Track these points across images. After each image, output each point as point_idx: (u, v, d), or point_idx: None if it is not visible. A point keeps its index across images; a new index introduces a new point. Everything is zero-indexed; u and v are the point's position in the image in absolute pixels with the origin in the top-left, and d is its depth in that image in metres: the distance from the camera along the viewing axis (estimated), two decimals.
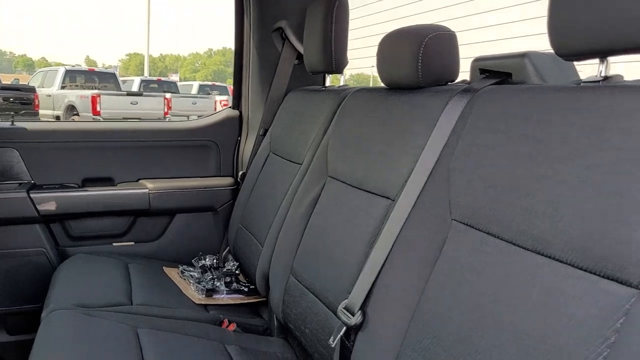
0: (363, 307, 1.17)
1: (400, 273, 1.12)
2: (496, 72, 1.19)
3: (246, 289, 2.00)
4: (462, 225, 1.03)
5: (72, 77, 15.06)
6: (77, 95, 13.32)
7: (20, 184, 2.13)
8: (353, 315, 1.16)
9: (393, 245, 1.17)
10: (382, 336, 1.10)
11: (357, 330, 1.17)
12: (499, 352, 0.84)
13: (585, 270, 0.77)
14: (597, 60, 0.94)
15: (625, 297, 0.70)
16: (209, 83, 20.01)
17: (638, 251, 0.70)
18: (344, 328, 1.18)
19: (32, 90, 13.29)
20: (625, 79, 0.94)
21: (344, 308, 1.20)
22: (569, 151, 0.86)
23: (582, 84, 0.95)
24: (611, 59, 0.92)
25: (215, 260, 2.15)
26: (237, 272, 2.06)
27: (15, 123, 2.18)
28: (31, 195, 2.10)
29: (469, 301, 0.93)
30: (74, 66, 16.81)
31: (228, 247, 2.32)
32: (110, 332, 1.44)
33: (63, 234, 2.23)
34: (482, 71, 1.24)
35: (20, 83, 16.86)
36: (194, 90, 18.66)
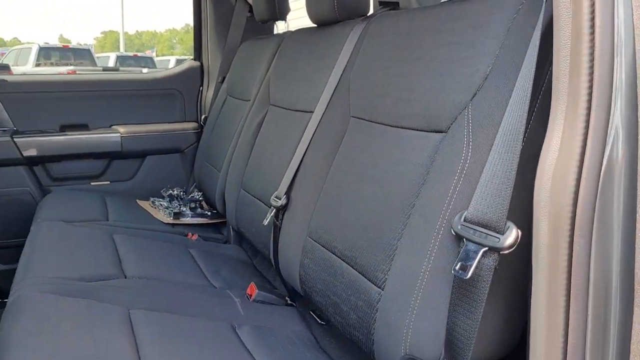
0: (287, 193, 1.48)
1: (314, 164, 1.43)
2: (388, 2, 1.49)
3: (209, 213, 2.30)
4: (356, 119, 1.34)
5: (47, 54, 14.96)
6: (53, 73, 13.33)
7: (5, 130, 2.39)
8: (280, 199, 1.47)
9: (309, 145, 1.47)
10: (301, 211, 1.41)
11: (283, 210, 1.48)
12: (362, 199, 1.16)
13: (423, 130, 1.08)
14: None
15: (439, 139, 1.01)
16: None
17: (448, 109, 1.01)
18: (274, 210, 1.49)
19: (6, 68, 13.25)
20: None
21: (274, 197, 1.51)
22: (422, 51, 1.17)
23: (440, 3, 1.25)
24: None
25: (181, 192, 2.45)
26: (200, 199, 2.36)
27: None
28: (15, 139, 2.37)
29: (355, 170, 1.24)
30: (47, 43, 16.64)
31: (195, 184, 2.62)
32: (89, 236, 1.74)
33: (45, 175, 2.50)
34: (380, 3, 1.54)
35: None
36: (171, 65, 18.69)
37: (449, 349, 0.87)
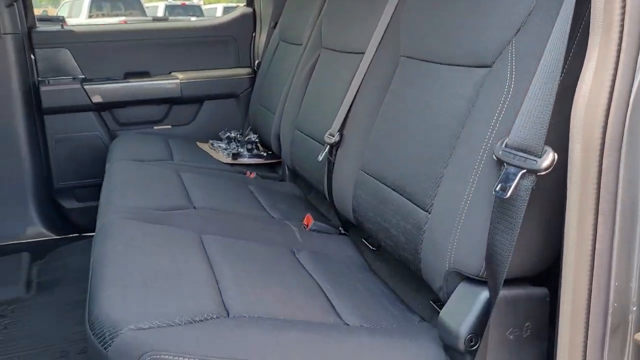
0: (340, 130, 1.58)
1: (365, 102, 1.52)
2: None
3: (265, 154, 2.43)
4: (406, 58, 1.41)
5: (98, 5, 15.23)
6: (106, 24, 13.63)
7: (74, 78, 2.57)
8: (334, 136, 1.58)
9: (360, 84, 1.55)
10: (353, 147, 1.51)
11: (337, 147, 1.58)
12: (411, 133, 1.25)
13: (470, 66, 1.15)
14: None
15: (484, 73, 1.08)
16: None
17: (493, 45, 1.07)
18: (328, 147, 1.60)
19: (61, 20, 13.63)
20: None
21: (328, 134, 1.61)
22: None
23: None
24: None
25: (238, 134, 2.58)
26: (256, 140, 2.49)
27: (64, 26, 2.60)
28: (84, 87, 2.54)
29: (405, 106, 1.33)
30: None
31: (250, 127, 2.75)
32: (159, 173, 1.90)
33: (112, 120, 2.69)
34: None
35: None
36: (219, 13, 18.70)
37: (489, 263, 0.96)
